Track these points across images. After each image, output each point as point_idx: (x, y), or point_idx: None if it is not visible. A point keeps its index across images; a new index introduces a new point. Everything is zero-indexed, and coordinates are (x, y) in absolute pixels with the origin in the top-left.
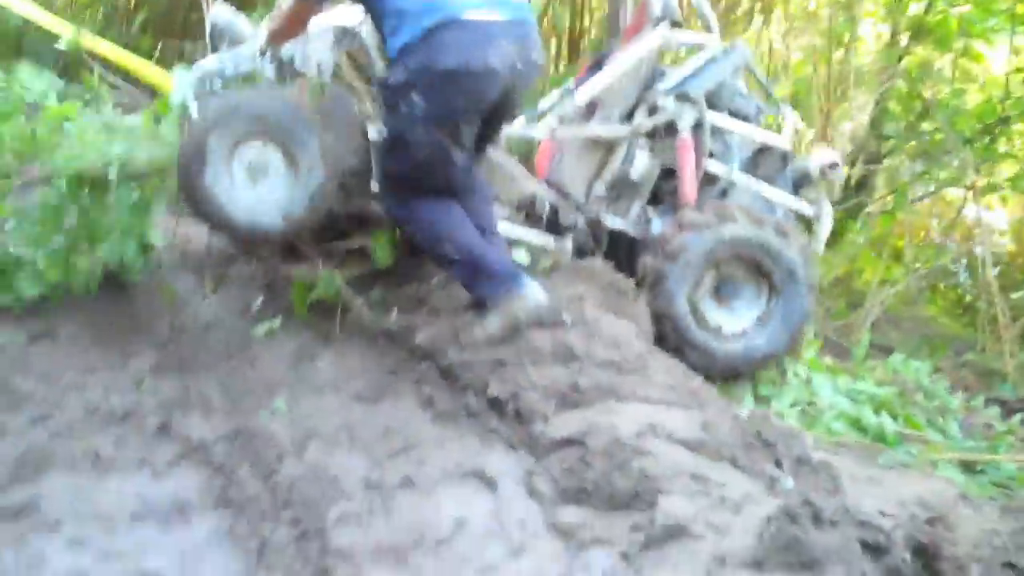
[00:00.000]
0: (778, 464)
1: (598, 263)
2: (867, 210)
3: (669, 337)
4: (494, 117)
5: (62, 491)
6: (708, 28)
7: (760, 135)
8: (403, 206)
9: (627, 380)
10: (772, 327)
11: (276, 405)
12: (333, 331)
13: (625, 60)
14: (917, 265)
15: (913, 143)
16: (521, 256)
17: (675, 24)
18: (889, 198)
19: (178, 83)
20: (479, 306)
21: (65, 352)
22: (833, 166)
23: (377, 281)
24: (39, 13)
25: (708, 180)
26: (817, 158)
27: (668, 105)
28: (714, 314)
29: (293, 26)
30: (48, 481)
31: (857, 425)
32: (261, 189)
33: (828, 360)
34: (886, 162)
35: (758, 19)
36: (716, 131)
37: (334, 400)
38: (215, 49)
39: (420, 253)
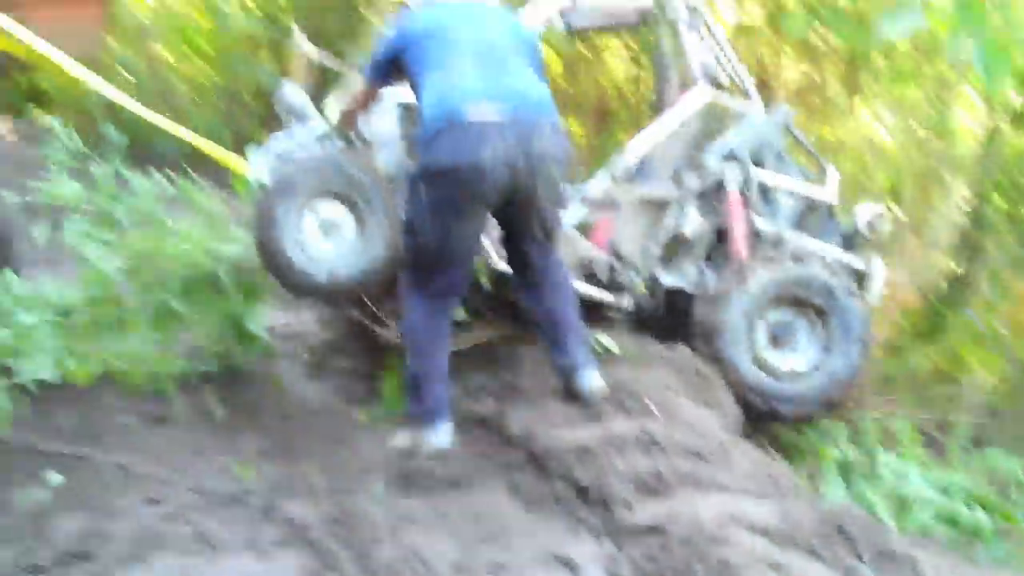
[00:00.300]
0: (859, 556)
1: (684, 351)
2: (968, 302)
3: (756, 405)
4: (517, 208)
5: (172, 571)
6: (747, 95)
7: (805, 189)
8: (409, 294)
9: (708, 468)
10: (839, 347)
11: (374, 489)
12: None
13: (669, 121)
14: (1018, 357)
15: (1013, 233)
16: (609, 344)
17: (716, 85)
18: (990, 289)
19: (254, 162)
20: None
21: (179, 435)
22: (879, 217)
23: (475, 367)
24: (157, 117)
25: (757, 237)
26: (863, 213)
27: (715, 165)
28: (783, 362)
29: (362, 107)
30: (159, 561)
31: (950, 519)
32: (324, 245)
33: (922, 452)
34: (987, 252)
35: (848, 103)
36: (763, 188)
37: (428, 484)
38: (284, 126)
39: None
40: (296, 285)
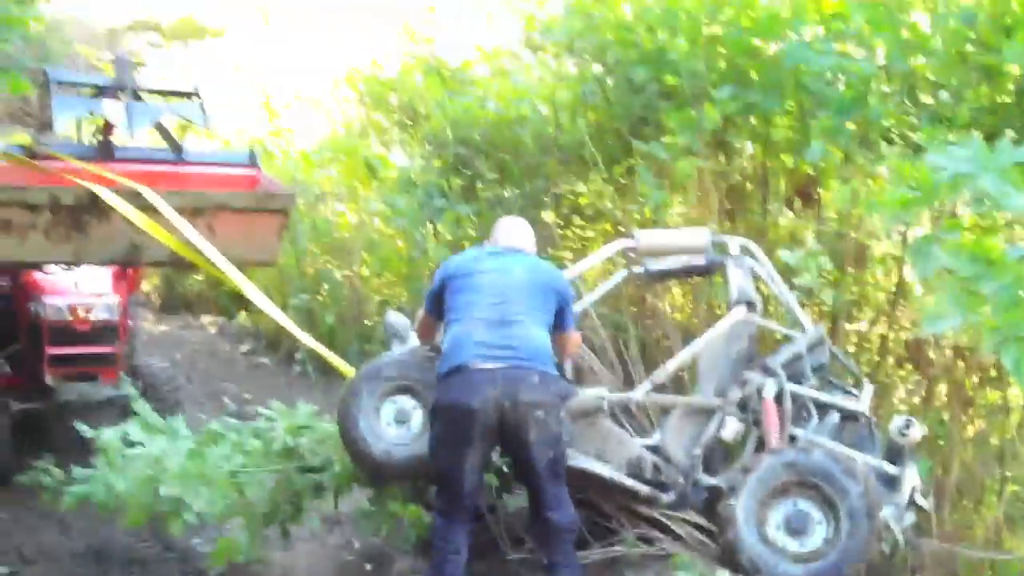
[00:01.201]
0: None
1: None
2: None
3: None
4: (516, 449)
5: None
6: (801, 327)
7: (838, 401)
8: (435, 512)
9: None
10: (846, 528)
11: None
12: None
13: (705, 338)
14: None
15: None
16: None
17: (751, 306)
18: None
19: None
20: None
21: None
22: (908, 425)
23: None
24: (309, 339)
25: (792, 442)
26: (896, 422)
27: (753, 378)
28: (812, 541)
29: (428, 330)
30: None
31: None
32: (390, 428)
33: None
34: None
35: None
36: (797, 400)
37: None
38: (389, 346)
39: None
40: (356, 452)
